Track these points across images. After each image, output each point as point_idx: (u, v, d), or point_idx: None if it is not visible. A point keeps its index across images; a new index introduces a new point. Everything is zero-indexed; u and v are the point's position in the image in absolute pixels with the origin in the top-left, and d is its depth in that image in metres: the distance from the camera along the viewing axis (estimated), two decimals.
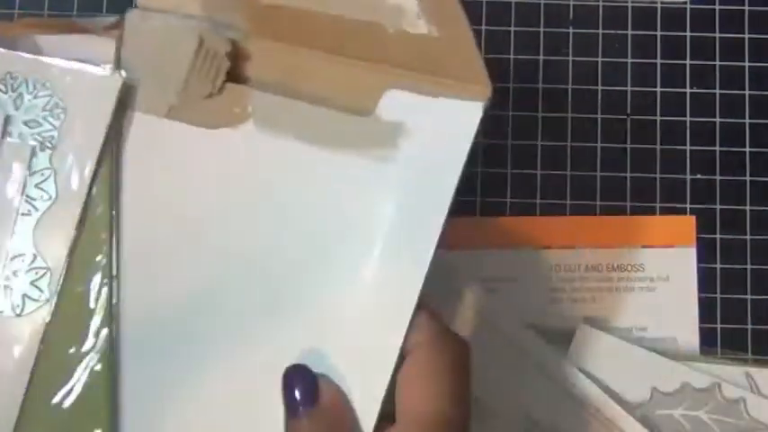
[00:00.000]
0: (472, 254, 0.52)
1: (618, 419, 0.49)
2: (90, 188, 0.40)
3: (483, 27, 0.54)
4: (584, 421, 0.49)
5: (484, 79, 0.36)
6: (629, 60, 0.53)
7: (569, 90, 0.53)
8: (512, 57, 0.53)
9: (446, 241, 0.37)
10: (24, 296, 0.39)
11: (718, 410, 0.49)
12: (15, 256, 0.40)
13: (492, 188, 0.53)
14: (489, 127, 0.53)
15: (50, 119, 0.41)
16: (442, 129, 0.37)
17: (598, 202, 0.52)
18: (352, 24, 0.37)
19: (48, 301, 0.39)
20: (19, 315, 0.39)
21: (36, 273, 0.40)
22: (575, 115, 0.53)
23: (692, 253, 0.52)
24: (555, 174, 0.53)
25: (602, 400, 0.49)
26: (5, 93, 0.41)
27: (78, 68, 0.41)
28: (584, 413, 0.49)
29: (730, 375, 0.50)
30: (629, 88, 0.53)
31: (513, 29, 0.54)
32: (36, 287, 0.40)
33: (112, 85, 0.40)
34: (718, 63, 0.53)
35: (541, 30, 0.54)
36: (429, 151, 0.37)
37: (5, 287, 0.39)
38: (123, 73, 0.40)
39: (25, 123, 0.41)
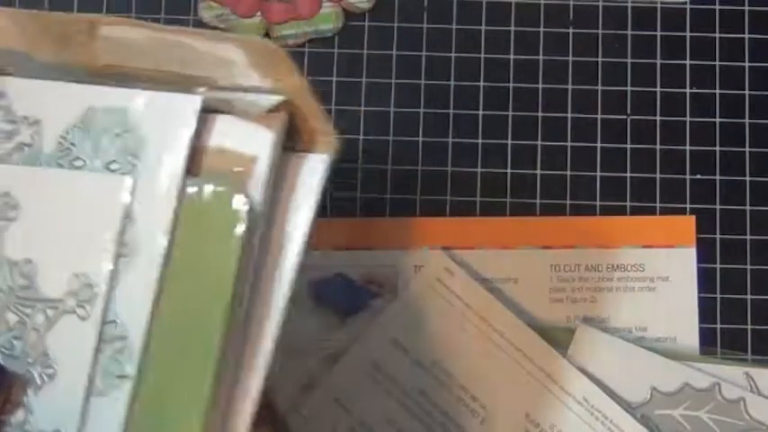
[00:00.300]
0: (472, 254, 0.52)
1: (618, 419, 0.49)
2: (172, 237, 0.34)
3: (483, 27, 0.54)
4: (585, 422, 0.49)
5: (328, 130, 0.35)
6: (629, 60, 0.53)
7: (569, 90, 0.53)
8: (512, 57, 0.53)
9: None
10: (106, 371, 0.35)
11: (718, 411, 0.49)
12: (106, 323, 0.35)
13: (491, 188, 0.53)
14: (489, 127, 0.53)
15: (128, 156, 0.36)
16: (289, 183, 0.36)
17: (598, 202, 0.52)
18: (187, 80, 0.36)
19: (129, 378, 0.35)
20: (102, 394, 0.35)
21: (119, 344, 0.35)
22: (575, 115, 0.53)
23: (691, 253, 0.52)
24: (555, 174, 0.53)
25: (602, 400, 0.49)
26: (85, 130, 0.36)
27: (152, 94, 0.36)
28: (584, 413, 0.50)
29: (730, 375, 0.50)
30: (629, 88, 0.53)
31: (513, 29, 0.54)
32: (118, 361, 0.35)
33: (191, 107, 0.35)
34: (718, 63, 0.53)
35: (541, 30, 0.54)
36: (274, 208, 0.36)
37: (96, 361, 0.35)
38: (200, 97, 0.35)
39: (106, 166, 0.36)
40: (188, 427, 0.34)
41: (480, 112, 0.53)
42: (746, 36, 0.53)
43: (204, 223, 0.35)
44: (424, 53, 0.54)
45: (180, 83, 0.36)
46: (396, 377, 0.50)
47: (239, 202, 0.34)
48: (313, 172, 0.36)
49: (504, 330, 0.51)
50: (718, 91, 0.53)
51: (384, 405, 0.50)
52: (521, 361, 0.50)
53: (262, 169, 0.35)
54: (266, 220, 0.35)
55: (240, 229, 0.34)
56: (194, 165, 0.35)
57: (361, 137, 0.53)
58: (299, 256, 0.35)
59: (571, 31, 0.54)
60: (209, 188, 0.35)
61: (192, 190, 0.35)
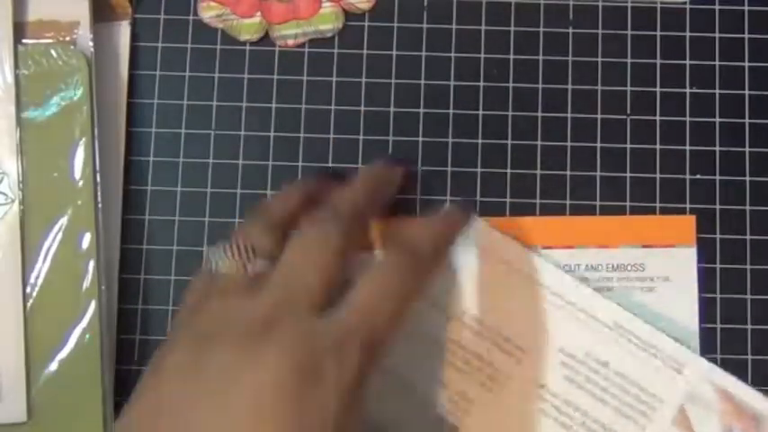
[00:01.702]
0: None
1: (652, 339, 0.50)
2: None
3: (483, 27, 0.54)
4: (619, 344, 0.50)
5: (125, 2, 0.52)
6: (629, 60, 0.53)
7: (569, 90, 0.53)
8: (512, 57, 0.53)
9: None
10: None
11: None
12: None
13: (492, 188, 0.53)
14: (489, 127, 0.53)
15: None
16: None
17: (598, 202, 0.52)
18: None
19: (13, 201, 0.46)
20: None
21: None
22: (575, 115, 0.53)
23: (692, 253, 0.52)
24: (554, 174, 0.53)
25: (633, 323, 0.50)
26: None
27: None
28: (617, 338, 0.50)
29: None
30: (628, 88, 0.53)
31: (512, 29, 0.54)
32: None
33: None
34: (718, 63, 0.53)
35: (541, 30, 0.54)
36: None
37: None
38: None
39: None
40: None
41: (480, 112, 0.53)
42: (746, 36, 0.53)
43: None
44: (424, 53, 0.54)
45: None
46: (435, 334, 0.51)
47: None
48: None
49: (523, 267, 0.51)
50: (718, 91, 0.53)
51: (425, 361, 0.50)
52: (548, 297, 0.51)
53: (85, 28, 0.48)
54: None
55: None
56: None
57: (361, 137, 0.53)
58: None
59: (571, 31, 0.54)
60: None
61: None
